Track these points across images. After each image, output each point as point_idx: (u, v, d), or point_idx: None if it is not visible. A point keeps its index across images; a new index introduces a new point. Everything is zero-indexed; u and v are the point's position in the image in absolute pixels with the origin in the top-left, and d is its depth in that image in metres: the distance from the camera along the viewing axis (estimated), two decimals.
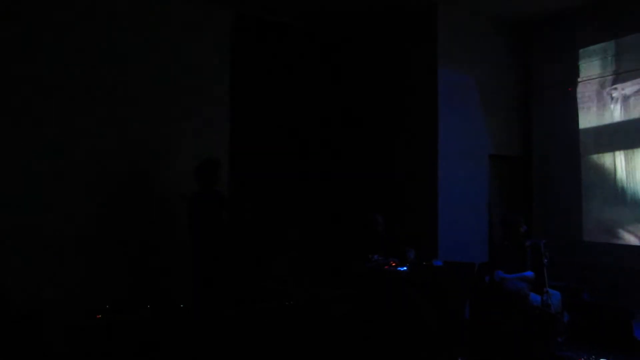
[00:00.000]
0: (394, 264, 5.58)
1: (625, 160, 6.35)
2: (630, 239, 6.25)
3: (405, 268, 5.47)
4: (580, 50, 6.87)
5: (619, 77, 6.43)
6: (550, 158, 7.20)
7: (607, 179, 6.53)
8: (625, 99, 6.37)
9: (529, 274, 5.55)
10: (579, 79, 6.88)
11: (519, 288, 5.12)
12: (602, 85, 6.61)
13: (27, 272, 4.64)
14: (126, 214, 5.27)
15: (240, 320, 3.98)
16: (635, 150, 6.25)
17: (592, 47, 6.73)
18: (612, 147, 6.49)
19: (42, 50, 4.94)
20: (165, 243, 5.28)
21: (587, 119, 6.80)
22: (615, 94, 6.49)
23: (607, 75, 6.54)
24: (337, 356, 3.98)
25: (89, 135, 5.14)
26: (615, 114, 6.47)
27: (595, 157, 6.70)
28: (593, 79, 6.72)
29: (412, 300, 4.71)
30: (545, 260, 5.11)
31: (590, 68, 6.77)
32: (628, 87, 6.32)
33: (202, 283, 4.57)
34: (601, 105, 6.62)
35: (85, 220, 5.04)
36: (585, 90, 6.83)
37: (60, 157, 4.97)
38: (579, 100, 6.88)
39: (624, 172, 6.35)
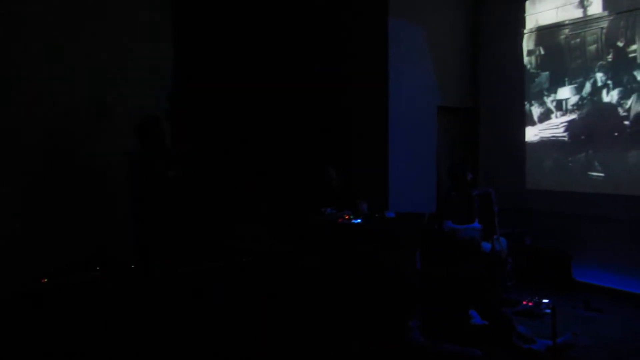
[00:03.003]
0: (347, 217, 5.58)
1: (568, 111, 6.55)
2: (570, 186, 6.50)
3: (359, 220, 5.49)
4: (527, 2, 6.92)
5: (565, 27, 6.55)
6: (496, 109, 7.33)
7: (551, 129, 6.73)
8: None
9: (477, 225, 5.71)
10: (525, 31, 6.96)
11: (471, 237, 5.26)
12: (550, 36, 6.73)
13: None
14: (67, 174, 4.95)
15: (198, 278, 3.88)
16: (579, 99, 6.44)
17: None
18: (557, 97, 6.67)
19: None
20: (111, 204, 5.03)
21: (533, 70, 6.94)
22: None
23: (555, 27, 6.64)
24: (297, 312, 3.98)
25: (17, 91, 4.71)
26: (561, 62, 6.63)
27: (540, 108, 6.86)
28: (540, 30, 6.82)
29: (368, 253, 4.75)
30: (496, 209, 5.27)
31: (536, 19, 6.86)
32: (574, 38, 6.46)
33: (148, 246, 4.41)
34: (548, 55, 6.77)
35: (24, 182, 4.70)
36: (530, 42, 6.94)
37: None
38: (525, 52, 6.98)
39: (568, 123, 6.55)
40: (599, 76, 6.17)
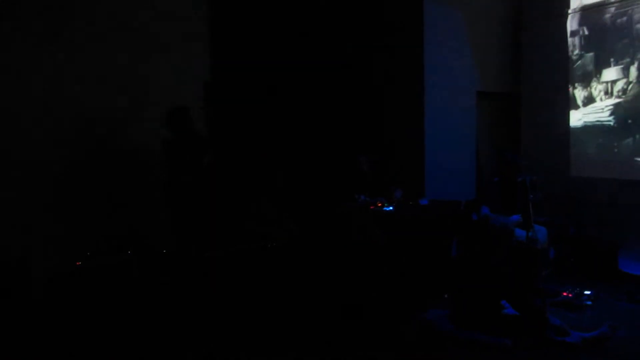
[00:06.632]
0: (380, 204, 5.55)
1: (614, 93, 6.25)
2: (616, 173, 6.23)
3: (391, 208, 5.45)
4: None
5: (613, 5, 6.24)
6: (539, 93, 7.08)
7: (596, 113, 6.44)
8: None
9: (516, 217, 5.52)
10: (569, 11, 6.67)
11: (503, 224, 5.10)
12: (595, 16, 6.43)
13: (5, 221, 4.56)
14: (103, 160, 5.16)
15: (223, 262, 3.96)
16: (625, 82, 6.13)
17: None
18: (603, 79, 6.38)
19: None
20: (144, 190, 5.20)
21: (577, 52, 6.66)
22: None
23: (600, 6, 6.33)
24: (321, 299, 3.99)
25: (59, 80, 4.92)
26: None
27: (584, 91, 6.57)
28: (584, 10, 6.51)
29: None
30: (531, 197, 5.08)
31: None
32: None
33: (183, 229, 4.56)
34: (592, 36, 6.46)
35: (62, 169, 4.93)
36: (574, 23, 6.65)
37: (36, 107, 4.78)
38: (569, 33, 6.69)
39: (614, 106, 6.25)
40: None
